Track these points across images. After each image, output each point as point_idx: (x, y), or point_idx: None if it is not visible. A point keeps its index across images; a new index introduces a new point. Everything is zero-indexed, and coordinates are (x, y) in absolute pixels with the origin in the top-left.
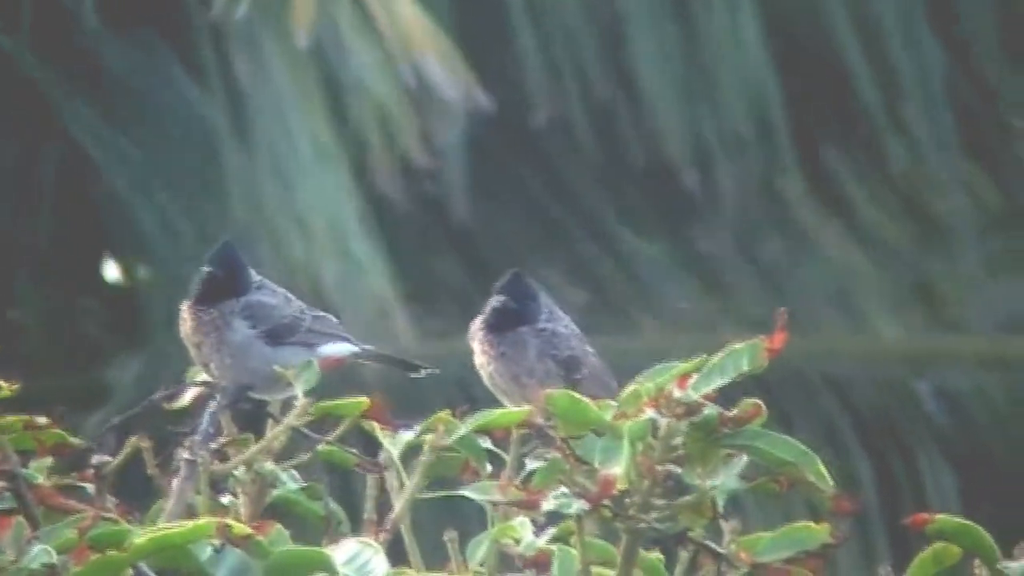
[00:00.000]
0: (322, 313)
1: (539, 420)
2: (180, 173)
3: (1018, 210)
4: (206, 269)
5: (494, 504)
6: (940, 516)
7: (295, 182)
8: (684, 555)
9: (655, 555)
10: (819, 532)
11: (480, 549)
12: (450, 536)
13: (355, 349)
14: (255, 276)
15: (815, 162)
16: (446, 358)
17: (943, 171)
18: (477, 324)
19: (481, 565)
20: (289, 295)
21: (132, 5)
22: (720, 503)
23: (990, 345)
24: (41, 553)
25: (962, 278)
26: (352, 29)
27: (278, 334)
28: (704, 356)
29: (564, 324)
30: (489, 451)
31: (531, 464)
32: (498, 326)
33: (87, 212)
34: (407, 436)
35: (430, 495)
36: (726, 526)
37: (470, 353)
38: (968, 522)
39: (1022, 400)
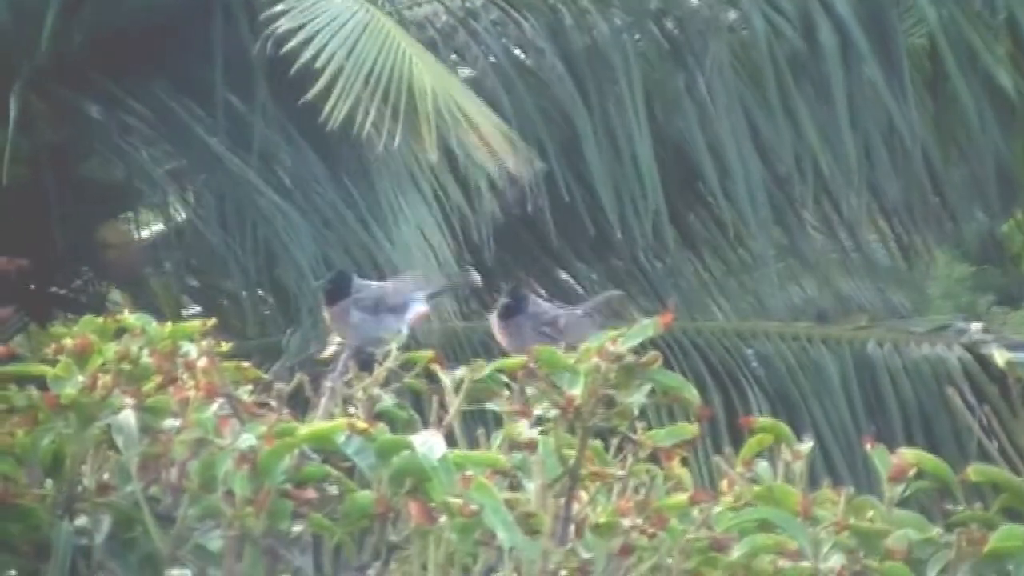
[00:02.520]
0: (402, 280)
1: (532, 365)
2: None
3: (795, 246)
4: (326, 282)
5: (507, 413)
6: (760, 418)
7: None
8: (614, 442)
9: (598, 442)
10: (691, 429)
11: (498, 439)
12: (480, 432)
13: (425, 298)
14: (359, 281)
15: (681, 221)
16: (476, 331)
17: (757, 229)
18: (494, 314)
19: (498, 448)
20: (381, 284)
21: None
22: (635, 412)
23: (785, 326)
24: (247, 439)
25: (768, 284)
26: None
27: (373, 307)
28: (626, 327)
29: (543, 305)
30: (505, 383)
31: (528, 390)
32: (504, 315)
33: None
34: (457, 373)
35: (470, 408)
36: (638, 425)
37: (489, 329)
38: (776, 421)
39: (804, 361)
